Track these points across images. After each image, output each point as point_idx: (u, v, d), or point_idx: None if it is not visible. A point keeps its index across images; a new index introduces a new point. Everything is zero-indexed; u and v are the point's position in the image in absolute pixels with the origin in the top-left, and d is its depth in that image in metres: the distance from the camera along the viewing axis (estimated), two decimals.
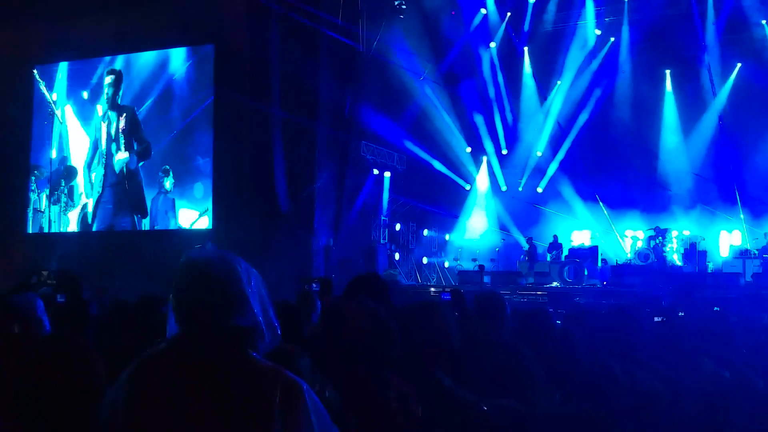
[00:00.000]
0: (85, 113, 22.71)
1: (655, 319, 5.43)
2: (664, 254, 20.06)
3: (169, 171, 21.50)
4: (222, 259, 2.65)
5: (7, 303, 3.98)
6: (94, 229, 22.25)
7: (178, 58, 21.78)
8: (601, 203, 22.70)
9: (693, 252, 20.11)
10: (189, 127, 21.48)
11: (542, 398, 4.21)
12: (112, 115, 22.25)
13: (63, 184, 22.77)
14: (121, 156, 21.94)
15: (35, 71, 23.27)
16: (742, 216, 21.03)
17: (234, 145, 20.38)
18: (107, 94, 22.24)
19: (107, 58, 22.46)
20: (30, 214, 22.97)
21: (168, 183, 21.45)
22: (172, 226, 21.40)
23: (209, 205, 20.89)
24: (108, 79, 22.24)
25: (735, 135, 21.86)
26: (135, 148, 21.88)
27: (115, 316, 5.27)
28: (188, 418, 2.44)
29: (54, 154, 22.95)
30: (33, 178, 22.94)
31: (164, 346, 2.62)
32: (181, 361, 2.53)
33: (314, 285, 8.25)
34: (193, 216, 21.16)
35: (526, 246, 22.01)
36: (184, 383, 2.48)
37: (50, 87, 23.14)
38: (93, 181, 22.34)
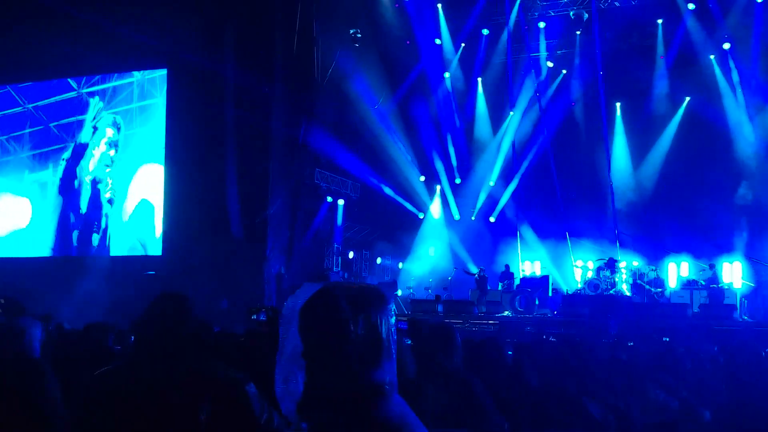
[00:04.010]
0: (33, 137, 22.42)
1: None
2: (614, 284, 20.25)
3: (114, 197, 21.26)
4: None
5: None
6: (37, 255, 21.90)
7: (132, 82, 21.61)
8: (552, 233, 22.89)
9: (641, 282, 20.33)
10: (141, 151, 21.29)
11: (492, 427, 4.20)
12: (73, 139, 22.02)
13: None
14: (74, 180, 21.66)
15: None
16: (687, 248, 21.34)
17: (186, 171, 20.21)
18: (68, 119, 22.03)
19: (62, 80, 22.25)
20: None
21: (117, 208, 21.20)
22: (120, 252, 21.11)
23: (161, 230, 20.68)
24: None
25: (683, 167, 22.22)
26: (90, 172, 21.62)
27: (61, 344, 5.17)
28: None
29: None
30: None
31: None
32: None
33: (261, 314, 8.14)
34: (143, 241, 20.92)
35: (475, 276, 21.98)
36: None
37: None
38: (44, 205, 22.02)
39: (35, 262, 21.67)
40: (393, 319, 2.21)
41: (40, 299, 15.43)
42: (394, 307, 2.25)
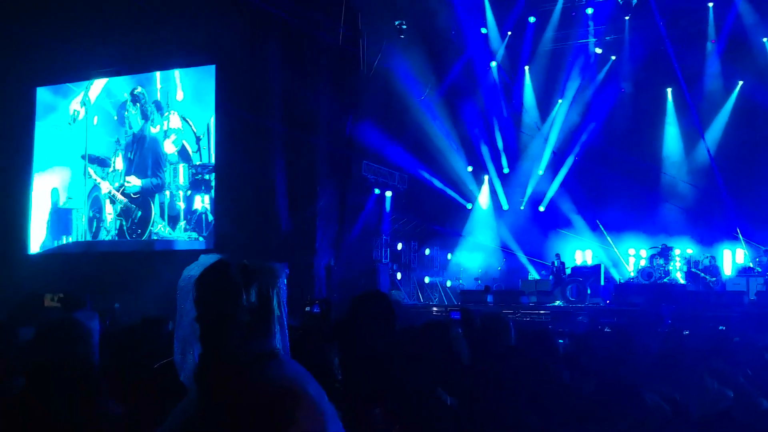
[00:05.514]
0: (93, 132, 22.78)
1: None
2: (668, 273, 19.98)
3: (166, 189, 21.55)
4: None
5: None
6: (92, 249, 22.26)
7: (180, 78, 21.83)
8: (601, 223, 22.63)
9: (696, 270, 20.04)
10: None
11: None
12: (126, 135, 22.35)
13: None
14: (131, 179, 21.99)
15: (37, 91, 23.35)
16: (741, 235, 20.94)
17: (235, 165, 20.38)
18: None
19: (113, 78, 22.54)
20: (29, 235, 22.87)
21: (168, 202, 21.47)
22: (168, 247, 21.37)
23: (211, 224, 20.91)
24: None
25: (737, 152, 21.84)
26: (147, 170, 21.92)
27: (117, 338, 5.22)
28: None
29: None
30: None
31: None
32: None
33: (315, 307, 8.18)
34: (192, 236, 21.18)
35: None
36: None
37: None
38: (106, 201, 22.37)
39: (83, 257, 21.97)
40: (284, 294, 2.50)
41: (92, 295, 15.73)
42: (285, 281, 2.54)
